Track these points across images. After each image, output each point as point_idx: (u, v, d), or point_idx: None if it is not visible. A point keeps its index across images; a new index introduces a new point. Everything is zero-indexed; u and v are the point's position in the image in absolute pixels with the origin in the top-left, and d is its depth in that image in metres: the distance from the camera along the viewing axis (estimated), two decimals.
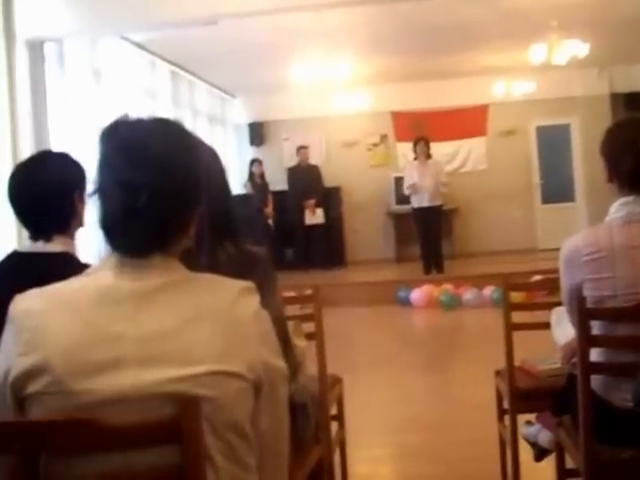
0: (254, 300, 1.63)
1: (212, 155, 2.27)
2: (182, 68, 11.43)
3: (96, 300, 1.55)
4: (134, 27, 8.52)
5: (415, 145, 11.73)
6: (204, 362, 1.51)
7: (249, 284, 1.64)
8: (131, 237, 1.56)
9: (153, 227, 1.55)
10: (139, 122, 1.63)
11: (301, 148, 13.49)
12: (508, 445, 3.76)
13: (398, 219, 13.82)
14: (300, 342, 2.79)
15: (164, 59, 10.71)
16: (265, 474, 1.67)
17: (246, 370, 1.55)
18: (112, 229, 1.59)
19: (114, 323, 1.52)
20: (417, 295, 10.53)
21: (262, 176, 13.32)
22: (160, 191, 1.54)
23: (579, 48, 10.08)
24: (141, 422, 1.49)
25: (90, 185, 1.63)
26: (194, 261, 1.68)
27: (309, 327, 3.41)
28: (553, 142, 14.46)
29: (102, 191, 1.59)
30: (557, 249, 2.79)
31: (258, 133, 14.64)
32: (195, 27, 8.43)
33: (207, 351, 1.52)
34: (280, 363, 1.67)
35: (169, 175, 1.56)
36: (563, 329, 3.04)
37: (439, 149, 12.85)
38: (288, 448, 1.77)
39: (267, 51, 10.54)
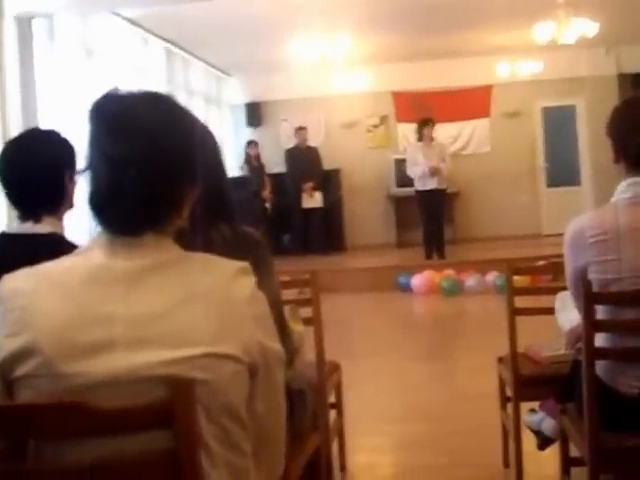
0: (250, 281, 1.62)
1: (206, 132, 2.26)
2: (176, 45, 11.38)
3: (86, 280, 1.54)
4: (126, 2, 8.48)
5: (422, 126, 11.61)
6: (198, 344, 1.50)
7: (245, 264, 1.63)
8: (119, 214, 1.55)
9: (141, 203, 1.54)
10: (128, 96, 1.61)
11: (299, 129, 13.45)
12: (511, 434, 3.77)
13: (399, 202, 13.82)
14: (297, 327, 2.78)
15: (157, 36, 10.67)
16: (261, 460, 1.67)
17: (241, 352, 1.54)
18: (100, 206, 1.57)
19: (105, 304, 1.51)
20: (418, 281, 10.53)
21: (259, 158, 13.31)
22: (148, 166, 1.53)
23: (588, 27, 10.04)
24: (133, 406, 1.48)
25: (80, 163, 1.63)
26: (187, 242, 1.67)
27: (307, 312, 3.42)
28: (559, 124, 14.44)
29: (91, 168, 1.58)
30: (562, 234, 2.78)
31: (255, 114, 14.60)
32: (190, 2, 8.40)
33: (201, 333, 1.51)
34: (276, 346, 1.66)
35: (158, 150, 1.55)
36: (568, 314, 3.04)
37: (442, 130, 12.80)
38: (285, 434, 1.77)
39: (265, 28, 10.49)
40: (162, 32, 10.60)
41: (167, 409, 1.48)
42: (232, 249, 2.01)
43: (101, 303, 1.51)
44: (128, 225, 1.56)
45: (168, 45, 11.14)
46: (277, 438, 1.74)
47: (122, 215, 1.55)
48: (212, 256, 1.66)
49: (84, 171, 1.60)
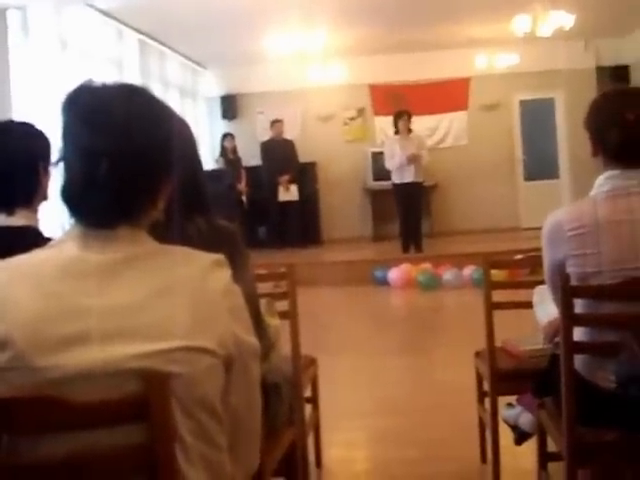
0: (225, 273, 1.63)
1: (182, 125, 2.25)
2: (151, 38, 11.32)
3: (60, 273, 1.54)
4: None
5: (397, 119, 11.67)
6: (173, 337, 1.50)
7: (220, 257, 1.64)
8: (93, 207, 1.54)
9: (116, 197, 1.54)
10: (102, 87, 1.60)
11: (275, 122, 13.44)
12: (488, 428, 3.79)
13: (375, 196, 13.84)
14: (273, 321, 2.78)
15: (132, 28, 10.60)
16: (236, 454, 1.68)
17: (217, 346, 1.54)
18: (74, 199, 1.57)
19: (79, 296, 1.51)
20: (395, 275, 10.55)
21: (234, 151, 13.28)
22: (122, 159, 1.53)
23: (564, 19, 10.08)
24: (108, 399, 1.49)
25: (55, 155, 1.62)
26: (162, 235, 1.67)
27: (282, 306, 3.40)
28: (537, 117, 14.51)
29: (65, 161, 1.58)
30: (540, 228, 2.78)
31: (231, 106, 14.56)
32: None
33: (176, 326, 1.52)
34: (252, 339, 1.67)
35: (132, 142, 1.54)
36: (545, 308, 3.04)
37: (419, 123, 12.81)
38: (260, 428, 1.77)
39: (241, 21, 10.47)
40: (137, 24, 10.53)
41: (142, 403, 1.49)
42: (207, 242, 2.01)
43: (75, 296, 1.52)
44: (102, 218, 1.56)
45: (143, 37, 11.07)
46: (252, 432, 1.74)
47: (96, 208, 1.55)
48: (187, 249, 1.66)
49: (57, 163, 1.60)
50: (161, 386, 1.49)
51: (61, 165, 1.59)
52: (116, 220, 1.56)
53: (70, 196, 1.57)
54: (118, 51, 10.36)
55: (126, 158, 1.53)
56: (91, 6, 9.21)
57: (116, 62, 10.26)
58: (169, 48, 12.19)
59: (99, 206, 1.54)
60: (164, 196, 1.64)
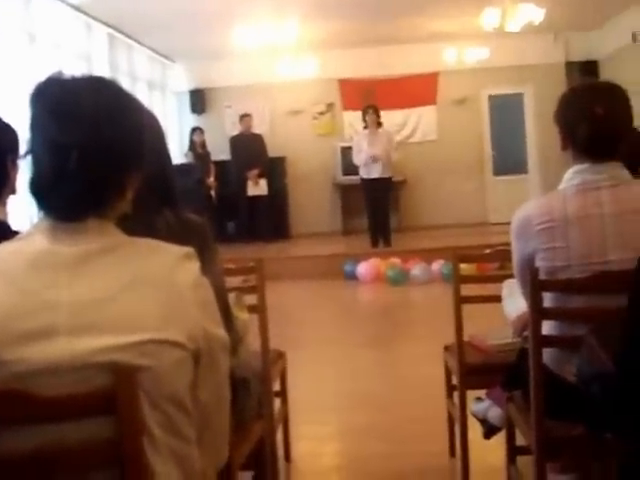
0: (194, 266, 1.63)
1: (151, 118, 2.22)
2: (120, 31, 11.25)
3: (30, 266, 1.53)
4: None
5: (364, 113, 11.69)
6: (141, 330, 1.50)
7: (189, 250, 1.64)
8: (63, 200, 1.54)
9: (85, 189, 1.53)
10: (71, 80, 1.60)
11: (244, 116, 13.42)
12: (457, 422, 3.79)
13: (345, 191, 13.85)
14: (242, 315, 2.77)
15: (101, 22, 10.51)
16: (205, 447, 1.68)
17: (186, 339, 1.55)
18: (43, 192, 1.56)
19: (48, 290, 1.51)
20: (364, 269, 10.55)
21: (203, 145, 13.24)
22: (91, 151, 1.52)
23: (534, 13, 10.12)
24: (75, 393, 1.49)
25: (23, 148, 1.61)
26: (131, 228, 1.66)
27: (251, 300, 3.39)
28: (506, 112, 14.58)
29: (33, 153, 1.57)
30: (509, 223, 2.78)
31: (200, 100, 14.52)
32: None
33: (145, 319, 1.52)
34: (221, 332, 1.67)
35: (101, 134, 1.54)
36: (514, 302, 3.05)
37: (388, 118, 12.82)
38: (229, 421, 1.78)
39: (210, 14, 10.43)
40: (105, 18, 10.46)
41: (110, 396, 1.49)
42: (176, 235, 1.99)
43: (44, 289, 1.51)
44: (71, 210, 1.55)
45: (111, 31, 10.99)
46: (221, 425, 1.75)
47: (65, 200, 1.54)
48: (156, 241, 1.66)
49: (26, 156, 1.59)
50: (129, 379, 1.48)
51: (29, 158, 1.58)
52: (85, 212, 1.56)
53: (39, 189, 1.57)
54: (87, 44, 10.29)
55: (95, 150, 1.53)
56: (60, 0, 9.12)
57: (85, 56, 10.19)
58: (138, 42, 12.12)
59: (68, 198, 1.53)
60: (132, 188, 1.64)
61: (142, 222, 1.89)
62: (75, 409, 1.49)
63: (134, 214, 1.69)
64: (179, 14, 10.39)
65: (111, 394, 1.48)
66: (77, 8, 9.63)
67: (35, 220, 1.61)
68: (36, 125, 1.56)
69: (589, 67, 13.69)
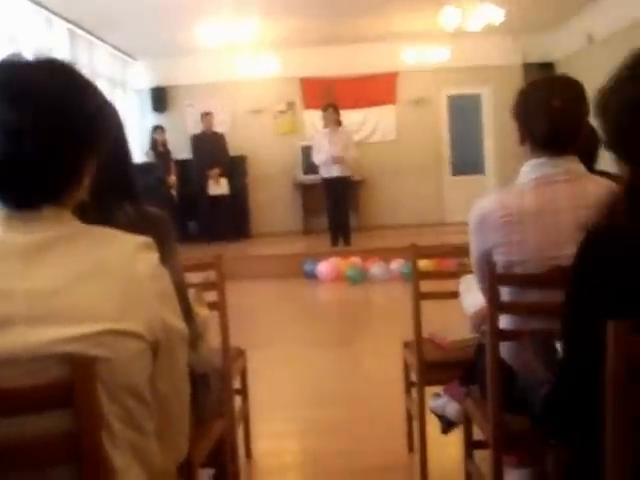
0: (153, 256, 1.60)
1: (109, 107, 2.20)
2: (80, 27, 11.12)
3: None
4: None
5: (324, 112, 11.69)
6: (100, 320, 1.47)
7: (148, 239, 1.61)
8: (17, 186, 1.51)
9: (39, 175, 1.50)
10: (25, 63, 1.56)
11: (205, 115, 13.39)
12: (415, 418, 3.81)
13: (305, 190, 13.85)
14: (202, 311, 2.75)
15: (61, 17, 10.39)
16: (165, 441, 1.67)
17: (144, 330, 1.52)
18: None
19: (3, 279, 1.48)
20: (324, 268, 10.58)
21: (164, 144, 13.17)
22: (46, 136, 1.48)
23: (494, 14, 10.18)
24: (32, 385, 1.45)
25: None
26: (90, 220, 1.63)
27: (211, 297, 3.37)
28: (464, 112, 14.67)
29: None
30: (466, 223, 2.79)
31: (161, 98, 14.44)
32: None
33: (103, 309, 1.49)
34: (180, 324, 1.65)
35: (56, 118, 1.50)
36: (472, 297, 3.07)
37: (348, 117, 12.85)
38: (188, 415, 1.76)
39: (171, 11, 10.39)
40: (66, 13, 10.34)
41: (67, 388, 1.46)
42: (136, 228, 1.96)
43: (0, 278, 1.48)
44: (26, 197, 1.52)
45: (72, 26, 10.87)
46: (180, 418, 1.73)
47: (19, 187, 1.51)
48: (114, 230, 1.63)
49: None
50: (86, 371, 1.45)
51: None
52: (40, 200, 1.52)
53: None
54: (47, 40, 10.16)
55: (49, 134, 1.49)
56: None
57: (45, 51, 10.04)
58: (99, 38, 11.99)
59: (22, 185, 1.50)
60: (89, 175, 1.60)
61: (101, 215, 1.87)
62: (31, 401, 1.46)
63: (93, 206, 1.67)
64: (140, 11, 10.32)
65: (68, 385, 1.45)
66: (37, 2, 9.52)
67: None
68: None
69: (546, 69, 13.82)
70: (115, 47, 12.91)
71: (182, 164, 13.27)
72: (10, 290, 1.46)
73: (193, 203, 13.15)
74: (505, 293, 2.63)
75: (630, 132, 1.68)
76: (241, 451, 3.96)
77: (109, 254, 1.55)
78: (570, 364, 1.75)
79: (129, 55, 13.77)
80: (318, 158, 11.65)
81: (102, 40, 12.18)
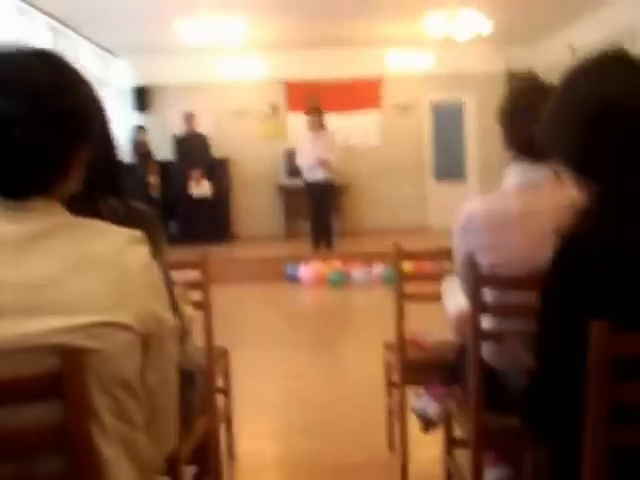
0: (144, 250, 1.61)
1: (96, 98, 2.22)
2: (62, 23, 11.07)
3: None
4: None
5: (308, 115, 11.74)
6: (90, 312, 1.49)
7: (138, 233, 1.62)
8: (7, 176, 1.52)
9: (30, 166, 1.51)
10: (15, 52, 1.57)
11: (188, 115, 13.38)
12: (396, 418, 3.86)
13: (288, 193, 13.86)
14: (187, 310, 2.77)
15: (43, 12, 10.35)
16: (153, 433, 1.67)
17: (135, 322, 1.53)
18: None
19: None
20: (305, 272, 10.62)
21: (146, 144, 13.14)
22: (36, 125, 1.50)
23: (482, 25, 10.26)
24: (21, 375, 1.46)
25: None
26: (74, 211, 1.63)
27: (195, 297, 3.40)
28: (447, 118, 14.75)
29: None
30: (448, 228, 2.85)
31: (143, 98, 14.34)
32: None
33: (94, 301, 1.50)
34: (170, 317, 1.66)
35: (45, 107, 1.51)
36: (454, 298, 3.12)
37: (333, 121, 12.87)
38: (177, 408, 1.77)
39: (155, 9, 10.36)
40: (48, 8, 10.29)
41: (57, 379, 1.47)
42: (123, 223, 1.99)
43: None
44: (16, 187, 1.53)
45: (53, 22, 10.83)
46: (169, 411, 1.74)
47: (8, 177, 1.52)
48: (105, 223, 1.64)
49: None
50: (77, 362, 1.46)
51: None
52: (30, 190, 1.53)
53: None
54: (28, 35, 10.13)
55: (39, 124, 1.50)
56: None
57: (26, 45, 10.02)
58: (80, 35, 11.88)
59: (13, 175, 1.52)
60: (78, 166, 1.61)
61: (87, 208, 1.87)
62: (22, 392, 1.47)
63: (78, 200, 1.67)
64: (123, 6, 10.26)
65: (58, 377, 1.46)
66: None
67: None
68: None
69: (528, 79, 13.92)
70: (97, 44, 12.75)
71: (164, 165, 13.24)
72: (1, 281, 1.47)
73: (174, 204, 13.13)
74: (488, 295, 2.68)
75: (596, 148, 1.76)
76: (223, 449, 3.99)
77: (100, 246, 1.56)
78: (545, 363, 1.81)
79: (111, 52, 13.64)
80: (302, 161, 11.69)
81: (84, 36, 12.03)
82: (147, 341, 1.58)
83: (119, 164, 2.38)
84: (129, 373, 1.55)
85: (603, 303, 1.67)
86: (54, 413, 1.49)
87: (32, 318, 1.46)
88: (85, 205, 1.78)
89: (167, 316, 1.65)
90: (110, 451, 1.54)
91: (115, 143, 2.36)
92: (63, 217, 1.58)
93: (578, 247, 1.74)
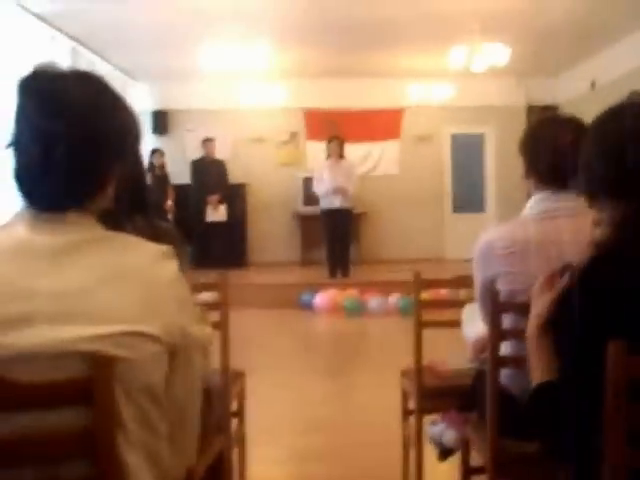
0: (173, 264, 1.67)
1: (133, 119, 2.29)
2: (83, 45, 11.23)
3: (10, 255, 1.57)
4: None
5: (328, 143, 11.85)
6: (120, 322, 1.54)
7: (168, 248, 1.68)
8: (46, 190, 1.59)
9: (68, 181, 1.58)
10: (60, 72, 1.65)
11: (207, 141, 13.44)
12: (412, 445, 3.87)
13: (305, 221, 13.91)
14: (206, 329, 2.81)
15: (65, 34, 10.52)
16: (175, 445, 1.71)
17: (162, 333, 1.58)
18: (27, 182, 1.61)
19: (28, 278, 1.54)
20: (321, 299, 10.66)
21: (163, 167, 13.23)
22: (77, 143, 1.57)
23: (499, 55, 10.35)
24: (52, 381, 1.51)
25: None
26: (104, 227, 1.70)
27: (213, 317, 3.43)
28: (467, 150, 14.83)
29: (18, 143, 1.61)
30: (465, 260, 2.91)
31: (161, 121, 14.49)
32: (103, 2, 8.35)
33: (123, 311, 1.55)
34: (197, 330, 1.71)
35: (88, 127, 1.59)
36: (473, 325, 3.15)
37: (351, 150, 13.01)
38: (199, 420, 1.80)
39: (178, 34, 10.49)
40: (70, 30, 10.45)
41: (86, 385, 1.51)
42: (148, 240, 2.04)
43: (24, 277, 1.54)
44: (54, 201, 1.60)
45: (75, 44, 10.99)
46: (192, 422, 1.77)
47: (48, 190, 1.59)
48: (135, 237, 1.71)
49: (10, 146, 1.62)
50: (106, 369, 1.51)
51: (14, 148, 1.62)
52: (68, 204, 1.60)
53: (24, 178, 1.61)
54: (49, 56, 10.25)
55: (81, 142, 1.58)
56: (25, 8, 9.14)
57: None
58: (101, 57, 12.04)
59: (52, 189, 1.58)
60: (112, 184, 1.69)
61: (115, 225, 1.94)
62: (52, 397, 1.51)
63: (107, 216, 1.72)
64: (145, 31, 10.43)
65: (88, 383, 1.50)
66: (42, 18, 9.61)
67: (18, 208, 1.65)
68: (24, 115, 1.61)
69: (549, 111, 14.01)
70: (117, 67, 12.92)
71: (180, 189, 13.32)
72: (34, 289, 1.53)
73: (190, 228, 13.16)
74: (506, 321, 2.72)
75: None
76: (235, 473, 4.00)
77: (132, 260, 1.63)
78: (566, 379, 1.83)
79: (131, 76, 13.80)
80: (319, 189, 11.80)
81: (104, 59, 12.21)
82: (174, 352, 1.63)
83: (145, 184, 2.44)
84: (155, 383, 1.60)
85: (629, 322, 1.70)
86: (81, 418, 1.54)
87: (64, 325, 1.52)
88: (113, 221, 1.84)
89: (194, 329, 1.70)
90: (133, 458, 1.58)
91: (143, 163, 2.44)
92: (96, 231, 1.65)
93: (607, 264, 1.77)
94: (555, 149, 2.70)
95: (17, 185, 1.62)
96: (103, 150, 1.63)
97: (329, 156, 11.85)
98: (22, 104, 1.62)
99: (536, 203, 2.75)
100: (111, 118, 1.66)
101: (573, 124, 2.82)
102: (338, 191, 11.58)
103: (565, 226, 2.67)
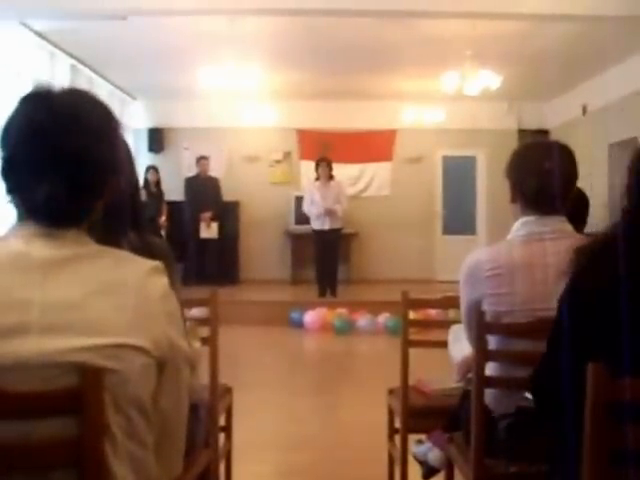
0: (163, 279, 1.69)
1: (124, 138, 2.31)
2: (83, 63, 11.27)
3: (5, 266, 1.59)
4: (37, 13, 8.40)
5: (317, 166, 11.95)
6: (110, 334, 1.56)
7: (159, 264, 1.71)
8: (45, 206, 1.60)
9: (75, 198, 1.61)
10: (62, 91, 1.67)
11: (201, 159, 13.47)
12: (397, 464, 3.88)
13: (296, 240, 13.89)
14: (195, 344, 2.83)
15: (65, 51, 10.55)
16: (162, 457, 1.72)
17: (151, 346, 1.60)
18: (28, 198, 1.62)
19: (22, 289, 1.56)
20: (310, 318, 10.65)
21: (158, 184, 13.23)
22: (86, 164, 1.61)
23: (491, 80, 10.41)
24: (42, 391, 1.52)
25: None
26: (98, 242, 1.72)
27: (203, 332, 3.44)
28: (458, 173, 14.87)
29: (22, 159, 1.62)
30: (455, 281, 2.93)
31: (157, 139, 14.51)
32: (103, 20, 8.39)
33: (114, 323, 1.57)
34: (185, 345, 1.73)
35: (94, 145, 1.62)
36: (460, 346, 3.17)
37: (344, 171, 13.06)
38: (185, 434, 1.81)
39: (175, 54, 10.53)
40: (70, 48, 10.49)
41: (76, 396, 1.52)
42: (140, 256, 2.05)
43: (18, 289, 1.56)
44: (53, 216, 1.62)
45: (74, 62, 11.03)
46: (178, 434, 1.78)
47: (48, 207, 1.60)
48: (127, 253, 1.74)
49: (7, 162, 1.63)
50: (95, 380, 1.52)
51: (11, 163, 1.62)
52: (66, 220, 1.63)
53: (23, 195, 1.63)
54: (49, 74, 10.30)
55: (87, 159, 1.61)
56: (26, 26, 9.17)
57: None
58: (100, 75, 12.10)
59: (58, 206, 1.60)
60: (106, 199, 1.71)
61: (108, 240, 1.95)
62: (41, 407, 1.52)
63: (101, 232, 1.75)
64: (144, 52, 10.48)
65: (77, 393, 1.52)
66: (42, 36, 9.63)
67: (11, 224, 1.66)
68: (23, 134, 1.61)
69: (540, 135, 14.07)
70: (115, 85, 12.98)
71: (174, 206, 13.32)
72: (28, 300, 1.55)
73: (183, 245, 13.17)
74: (492, 341, 2.74)
75: None
76: None
77: (123, 274, 1.65)
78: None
79: (128, 94, 13.87)
80: (309, 210, 11.93)
81: (103, 77, 12.27)
82: (162, 365, 1.65)
83: (140, 201, 2.46)
84: (143, 394, 1.61)
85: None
86: (69, 429, 1.55)
87: (55, 336, 1.53)
88: (107, 237, 1.85)
89: (183, 343, 1.72)
90: (120, 469, 1.59)
91: (138, 182, 2.46)
92: (91, 246, 1.67)
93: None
94: (540, 173, 2.73)
95: (18, 198, 1.64)
96: (103, 167, 1.66)
97: (318, 178, 11.93)
98: (31, 119, 1.62)
99: (522, 225, 2.79)
100: (112, 137, 1.69)
101: (558, 148, 2.86)
102: (328, 213, 11.71)
103: (550, 249, 2.69)
